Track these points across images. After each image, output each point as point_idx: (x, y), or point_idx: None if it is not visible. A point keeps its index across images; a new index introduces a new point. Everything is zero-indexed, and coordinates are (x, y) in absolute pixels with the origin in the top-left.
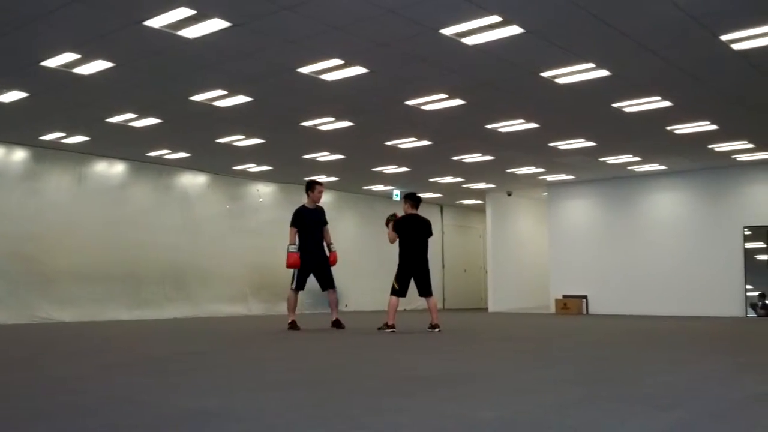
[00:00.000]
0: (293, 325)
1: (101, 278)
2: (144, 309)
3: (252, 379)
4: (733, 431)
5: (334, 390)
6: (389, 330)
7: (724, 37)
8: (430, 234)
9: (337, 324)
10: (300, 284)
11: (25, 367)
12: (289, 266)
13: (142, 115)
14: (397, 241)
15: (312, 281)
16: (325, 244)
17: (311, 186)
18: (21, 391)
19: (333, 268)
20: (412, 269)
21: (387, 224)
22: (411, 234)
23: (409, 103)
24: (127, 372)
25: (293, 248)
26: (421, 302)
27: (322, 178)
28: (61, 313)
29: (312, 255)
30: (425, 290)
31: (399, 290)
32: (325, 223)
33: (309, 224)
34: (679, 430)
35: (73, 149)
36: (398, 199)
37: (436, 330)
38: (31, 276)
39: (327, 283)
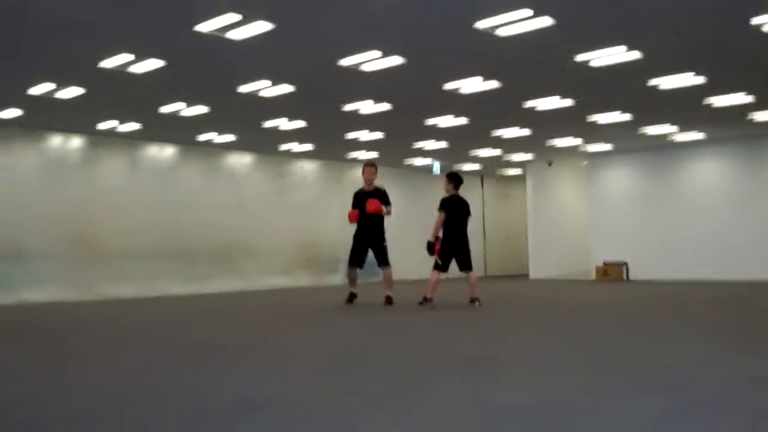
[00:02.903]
0: (349, 298)
1: (155, 256)
2: (196, 283)
3: (288, 363)
4: (732, 415)
5: (357, 374)
6: (428, 304)
7: (754, 21)
8: (469, 214)
9: (388, 300)
10: (353, 260)
11: (75, 362)
12: (351, 221)
13: (191, 104)
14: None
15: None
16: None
17: (362, 169)
18: (61, 385)
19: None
20: (454, 246)
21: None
22: (454, 213)
23: (446, 87)
24: (173, 361)
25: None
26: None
27: (362, 154)
28: (119, 289)
29: (365, 234)
30: (466, 265)
31: (441, 265)
32: (387, 204)
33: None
34: (678, 413)
35: (126, 136)
36: (437, 173)
37: (477, 303)
38: (91, 256)
39: (381, 260)
